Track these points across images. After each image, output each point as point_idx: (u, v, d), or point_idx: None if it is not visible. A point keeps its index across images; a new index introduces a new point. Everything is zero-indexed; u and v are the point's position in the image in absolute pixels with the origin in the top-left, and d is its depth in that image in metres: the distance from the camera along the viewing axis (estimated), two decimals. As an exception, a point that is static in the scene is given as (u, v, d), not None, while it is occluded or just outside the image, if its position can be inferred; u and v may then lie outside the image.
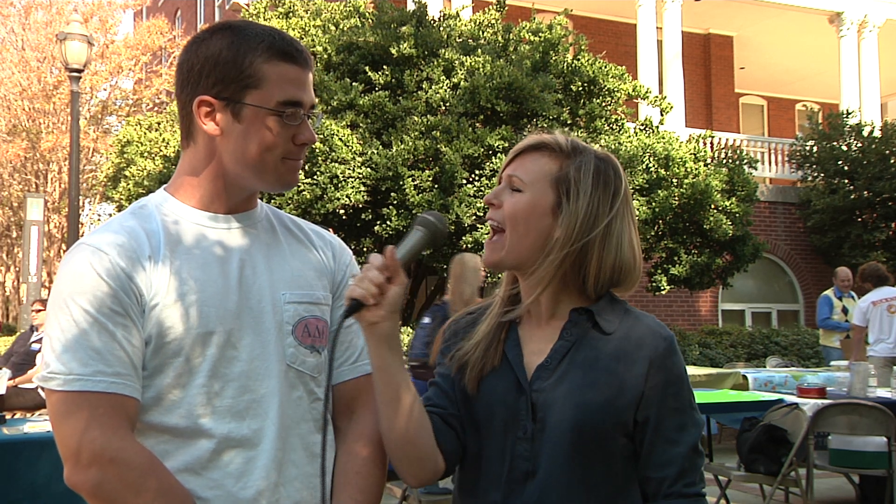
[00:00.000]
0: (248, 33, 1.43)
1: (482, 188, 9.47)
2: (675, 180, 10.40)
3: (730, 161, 11.95)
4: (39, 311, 8.56)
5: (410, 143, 9.35)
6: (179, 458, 1.37)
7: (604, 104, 10.71)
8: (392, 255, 1.42)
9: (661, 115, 11.38)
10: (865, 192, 14.08)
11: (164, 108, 16.30)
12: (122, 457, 1.31)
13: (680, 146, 10.90)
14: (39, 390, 7.82)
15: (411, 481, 1.51)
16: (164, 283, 1.38)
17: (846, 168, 14.45)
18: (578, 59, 10.69)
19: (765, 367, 9.74)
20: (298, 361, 1.47)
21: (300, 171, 1.53)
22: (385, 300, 1.40)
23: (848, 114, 15.30)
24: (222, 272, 1.43)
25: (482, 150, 9.54)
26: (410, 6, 11.20)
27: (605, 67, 10.70)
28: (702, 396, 5.83)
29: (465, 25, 10.90)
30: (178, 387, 1.38)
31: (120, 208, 12.49)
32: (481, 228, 9.32)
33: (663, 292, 11.02)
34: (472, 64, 9.83)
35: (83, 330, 1.33)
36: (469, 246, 9.43)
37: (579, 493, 1.41)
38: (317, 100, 11.27)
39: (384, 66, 10.10)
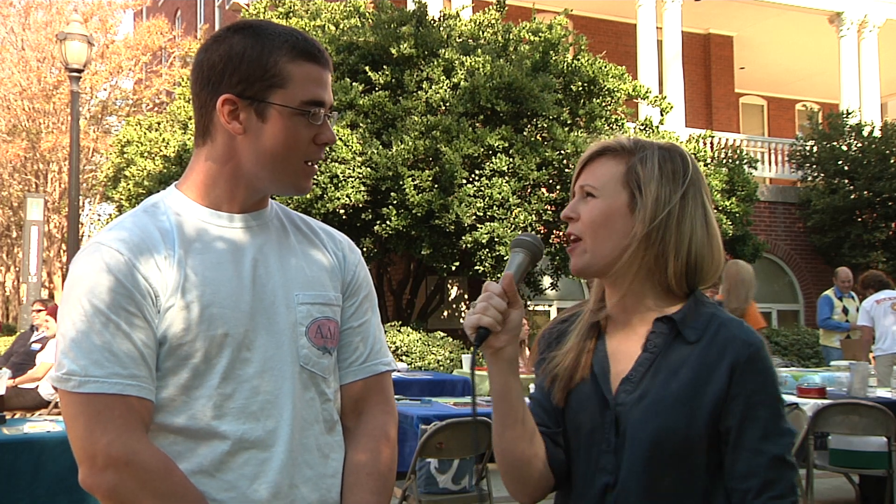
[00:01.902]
0: (270, 33, 1.43)
1: (482, 188, 9.47)
2: (675, 180, 10.40)
3: (730, 161, 11.96)
4: (40, 311, 8.55)
5: (410, 143, 9.35)
6: (193, 460, 1.37)
7: (604, 104, 10.71)
8: (511, 282, 1.42)
9: (661, 115, 11.38)
10: (865, 192, 14.07)
11: (164, 108, 16.31)
12: (138, 460, 1.30)
13: (680, 146, 10.89)
14: (39, 390, 7.82)
15: (525, 500, 1.52)
16: (179, 283, 1.37)
17: (846, 168, 14.44)
18: (578, 59, 10.69)
19: (765, 367, 9.72)
20: (311, 363, 1.47)
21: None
22: (508, 325, 1.41)
23: (848, 114, 15.29)
24: (236, 272, 1.42)
25: (482, 149, 9.54)
26: (410, 6, 11.20)
27: (605, 67, 10.71)
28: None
29: (465, 25, 10.90)
30: (191, 388, 1.37)
31: (120, 208, 12.50)
32: (481, 228, 9.32)
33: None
34: (472, 64, 9.83)
35: (98, 331, 1.32)
36: (469, 246, 9.43)
37: None
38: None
39: (384, 66, 10.11)
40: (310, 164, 1.46)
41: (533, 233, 1.50)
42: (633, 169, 1.48)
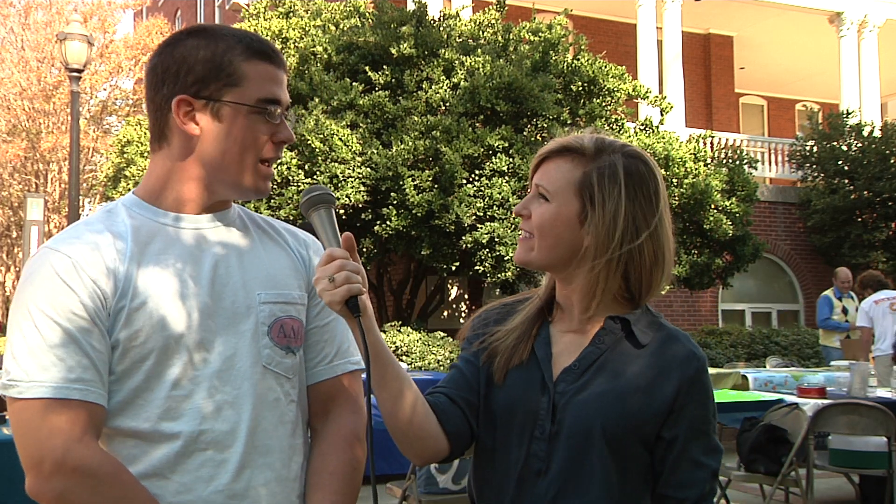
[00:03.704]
0: (223, 34, 1.43)
1: (482, 188, 9.46)
2: (675, 180, 10.40)
3: (730, 161, 11.95)
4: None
5: (410, 143, 9.35)
6: (147, 463, 1.35)
7: (604, 104, 10.71)
8: (349, 238, 1.39)
9: (661, 115, 11.38)
10: (865, 192, 14.07)
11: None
12: (86, 465, 1.28)
13: (680, 146, 10.90)
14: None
15: (415, 460, 1.50)
16: (131, 285, 1.36)
17: (846, 168, 14.44)
18: (578, 59, 10.68)
19: (765, 367, 9.74)
20: (274, 363, 1.44)
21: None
22: (364, 281, 1.37)
23: (848, 114, 15.29)
24: (193, 272, 1.41)
25: (482, 150, 9.54)
26: (410, 6, 11.20)
27: (605, 67, 10.70)
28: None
29: (465, 25, 10.89)
30: (145, 390, 1.35)
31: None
32: (481, 228, 9.31)
33: (663, 292, 11.00)
34: (472, 64, 9.83)
35: (45, 336, 1.30)
36: (469, 246, 9.43)
37: (589, 499, 1.40)
38: (316, 100, 10.94)
39: (384, 66, 10.10)
40: (266, 164, 1.45)
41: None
42: (588, 178, 1.43)
